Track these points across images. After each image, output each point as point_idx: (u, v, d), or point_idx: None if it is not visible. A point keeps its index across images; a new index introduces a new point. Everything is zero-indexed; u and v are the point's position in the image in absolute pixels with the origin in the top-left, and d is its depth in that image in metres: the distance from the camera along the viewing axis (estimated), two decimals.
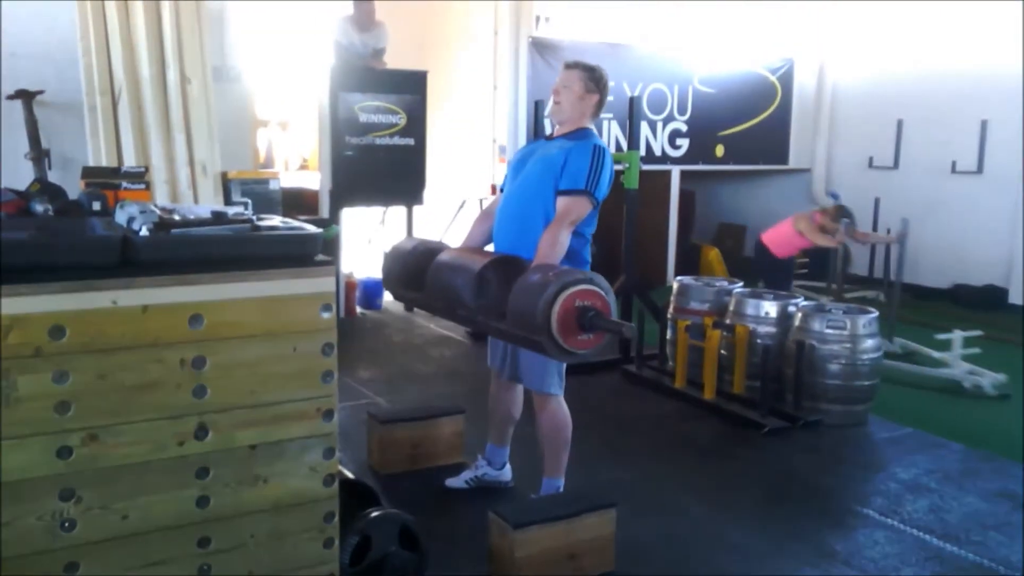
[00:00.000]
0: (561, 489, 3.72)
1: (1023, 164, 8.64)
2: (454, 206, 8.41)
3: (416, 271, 3.68)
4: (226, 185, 6.55)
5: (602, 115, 9.09)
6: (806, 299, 6.02)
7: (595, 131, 3.64)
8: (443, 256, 3.58)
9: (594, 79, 3.61)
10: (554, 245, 3.33)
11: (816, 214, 7.22)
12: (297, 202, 7.53)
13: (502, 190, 3.80)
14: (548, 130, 3.62)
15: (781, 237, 7.09)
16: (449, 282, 3.44)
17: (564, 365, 3.62)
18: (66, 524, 2.07)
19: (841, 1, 10.27)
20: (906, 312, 8.48)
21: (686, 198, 10.56)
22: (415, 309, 7.92)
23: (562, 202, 3.42)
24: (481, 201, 8.20)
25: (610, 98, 9.17)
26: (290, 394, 2.32)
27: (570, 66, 3.66)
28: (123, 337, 2.09)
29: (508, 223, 3.60)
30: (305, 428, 2.35)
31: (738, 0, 10.11)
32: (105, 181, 5.12)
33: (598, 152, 3.45)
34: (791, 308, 5.38)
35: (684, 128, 9.77)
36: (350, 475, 3.44)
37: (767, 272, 7.12)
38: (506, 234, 3.61)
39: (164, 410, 2.16)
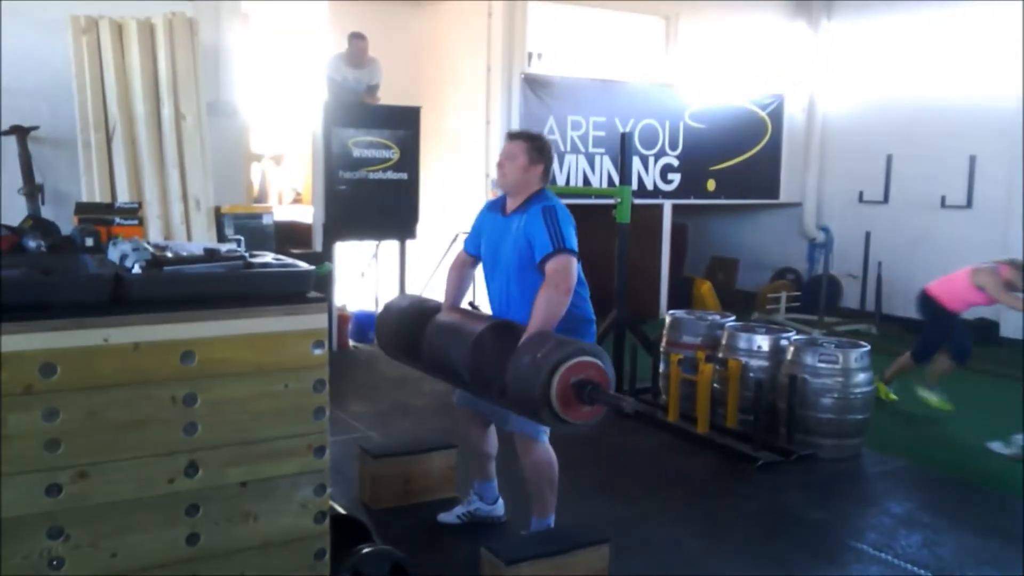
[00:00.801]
0: (552, 526, 3.69)
1: (1021, 197, 8.70)
2: (447, 240, 8.43)
3: (410, 335, 3.72)
4: (219, 220, 6.57)
5: (594, 150, 9.14)
6: (798, 332, 6.03)
7: (545, 191, 3.62)
8: (437, 323, 3.62)
9: (537, 148, 3.59)
10: (546, 308, 3.30)
11: (1002, 268, 6.26)
12: (290, 236, 7.55)
13: (468, 251, 3.84)
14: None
15: (955, 290, 6.39)
16: (445, 354, 3.49)
17: None
18: (54, 562, 2.06)
19: (830, 36, 10.41)
20: (898, 346, 8.50)
21: (678, 232, 10.61)
22: None
23: (546, 268, 3.42)
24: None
25: (602, 133, 9.27)
26: (281, 431, 2.32)
27: (513, 136, 3.66)
28: (114, 375, 2.10)
29: (513, 311, 3.59)
30: (296, 465, 2.35)
31: (729, 33, 10.24)
32: (98, 217, 5.12)
33: (547, 212, 3.44)
34: (783, 342, 5.40)
35: (676, 163, 9.84)
36: (341, 510, 3.42)
37: (932, 326, 6.50)
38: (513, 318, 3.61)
39: (154, 447, 2.16)
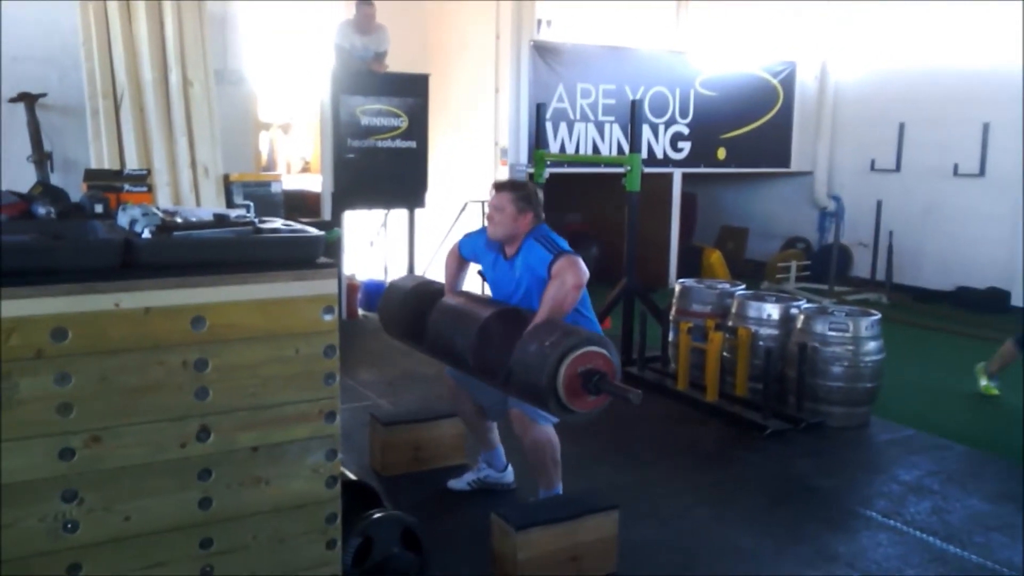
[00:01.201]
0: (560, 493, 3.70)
1: None
2: (456, 209, 8.41)
3: (414, 317, 3.76)
4: (228, 188, 6.56)
5: (603, 118, 9.07)
6: (808, 301, 6.01)
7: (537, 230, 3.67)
8: (442, 306, 3.64)
9: (523, 198, 3.63)
10: (554, 299, 3.33)
11: None
12: (299, 204, 7.54)
13: (463, 254, 3.90)
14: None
15: None
16: (450, 338, 3.51)
17: None
18: (68, 525, 2.08)
19: (842, 3, 10.27)
20: (908, 315, 8.48)
21: (688, 201, 10.56)
22: None
23: (552, 271, 3.45)
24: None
25: (612, 101, 9.20)
26: (292, 396, 2.32)
27: (499, 188, 3.70)
28: (125, 339, 2.10)
29: None
30: (307, 430, 2.35)
31: (740, 0, 10.12)
32: (107, 184, 5.13)
33: (539, 237, 3.56)
34: (793, 311, 5.38)
35: (686, 131, 9.77)
36: (352, 476, 3.44)
37: None
38: None
39: (166, 412, 2.17)
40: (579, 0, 9.74)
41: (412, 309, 3.82)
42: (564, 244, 3.54)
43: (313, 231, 2.43)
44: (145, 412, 2.14)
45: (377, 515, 2.95)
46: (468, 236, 3.98)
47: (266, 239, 2.35)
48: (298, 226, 2.50)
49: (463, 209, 8.45)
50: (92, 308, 2.06)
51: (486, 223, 3.76)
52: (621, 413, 5.34)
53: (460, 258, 3.94)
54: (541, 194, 3.71)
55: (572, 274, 3.38)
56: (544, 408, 3.15)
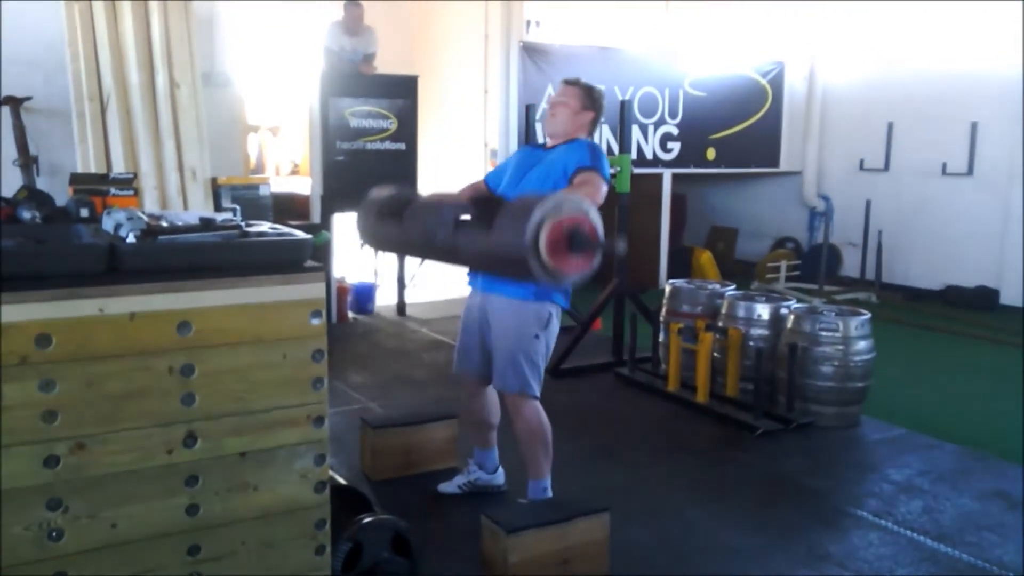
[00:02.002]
0: (548, 490, 3.70)
1: (1022, 164, 8.66)
2: None
3: (392, 212, 3.54)
4: (216, 191, 6.53)
5: None
6: (798, 301, 6.02)
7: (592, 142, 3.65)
8: (421, 199, 3.49)
9: (592, 98, 3.64)
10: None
11: None
12: (288, 207, 7.51)
13: (487, 182, 3.79)
14: (540, 139, 3.62)
15: None
16: (428, 213, 3.30)
17: (543, 365, 3.60)
18: (54, 534, 2.06)
19: (831, 3, 10.30)
20: (898, 314, 8.50)
21: (677, 201, 10.57)
22: (407, 314, 7.91)
23: (577, 179, 3.37)
24: None
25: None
26: (280, 401, 2.30)
27: (569, 83, 3.68)
28: (110, 345, 2.08)
29: None
30: (296, 435, 2.34)
31: (728, 0, 10.13)
32: (93, 187, 5.09)
33: (594, 147, 3.50)
34: (783, 311, 5.38)
35: (675, 131, 9.78)
36: (342, 481, 3.42)
37: None
38: None
39: (152, 418, 2.15)
40: (568, 0, 9.73)
41: (389, 207, 3.59)
42: (607, 169, 3.45)
43: (300, 234, 2.42)
44: (131, 418, 2.12)
45: (367, 520, 2.93)
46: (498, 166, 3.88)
47: (252, 243, 2.33)
48: (285, 229, 2.48)
49: None
50: (76, 314, 2.04)
51: (547, 114, 3.67)
52: (612, 413, 5.35)
53: (480, 183, 3.80)
54: None
55: (593, 190, 3.28)
56: (527, 274, 2.92)
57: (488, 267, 3.28)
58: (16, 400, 1.98)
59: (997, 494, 4.17)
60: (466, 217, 3.20)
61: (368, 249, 8.50)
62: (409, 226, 3.42)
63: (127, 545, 2.14)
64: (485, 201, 3.34)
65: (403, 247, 3.74)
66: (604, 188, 3.39)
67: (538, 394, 3.61)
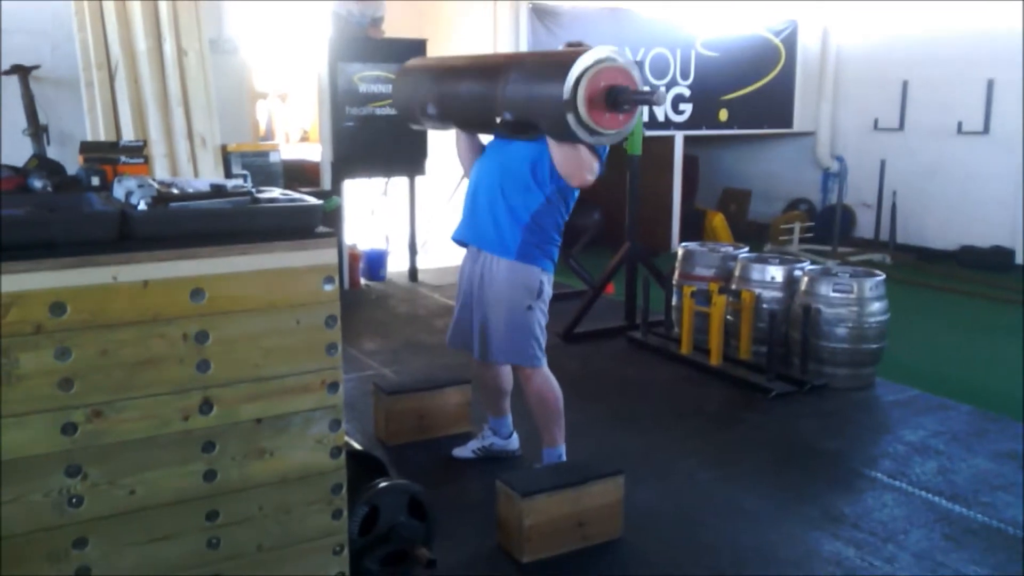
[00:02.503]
0: (563, 457, 3.72)
1: None
2: (456, 176, 8.36)
3: (430, 78, 3.66)
4: (226, 158, 6.51)
5: None
6: (812, 263, 5.98)
7: None
8: (460, 66, 3.58)
9: None
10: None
11: None
12: (298, 174, 7.49)
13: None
14: None
15: None
16: (470, 73, 3.42)
17: (544, 334, 3.58)
18: (73, 500, 2.07)
19: None
20: (912, 275, 8.45)
21: (689, 163, 10.50)
22: (419, 279, 7.92)
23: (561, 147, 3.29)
24: None
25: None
26: (294, 367, 2.31)
27: (572, 46, 3.60)
28: (124, 313, 2.08)
29: (481, 211, 3.55)
30: (310, 401, 2.34)
31: None
32: (103, 156, 5.05)
33: None
34: (797, 273, 5.35)
35: (687, 93, 9.68)
36: (357, 446, 3.44)
37: None
38: (478, 223, 3.57)
39: (168, 385, 2.15)
40: None
41: (428, 79, 3.70)
42: (602, 151, 3.41)
43: (311, 200, 2.40)
44: (147, 386, 2.13)
45: (383, 484, 2.95)
46: None
47: (263, 209, 2.32)
48: (296, 195, 2.47)
49: (463, 176, 8.40)
50: (90, 282, 2.03)
51: None
52: (625, 377, 5.35)
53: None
54: None
55: (576, 163, 3.26)
56: (568, 132, 3.00)
57: (527, 126, 3.24)
58: (32, 368, 1.99)
59: (1011, 455, 4.16)
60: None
61: (378, 217, 8.51)
62: (448, 88, 3.47)
63: (146, 511, 2.16)
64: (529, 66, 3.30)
65: (443, 112, 3.65)
66: (592, 163, 3.30)
67: (543, 363, 3.60)
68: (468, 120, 3.61)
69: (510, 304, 3.49)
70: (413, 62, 3.95)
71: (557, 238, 3.55)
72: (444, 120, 3.67)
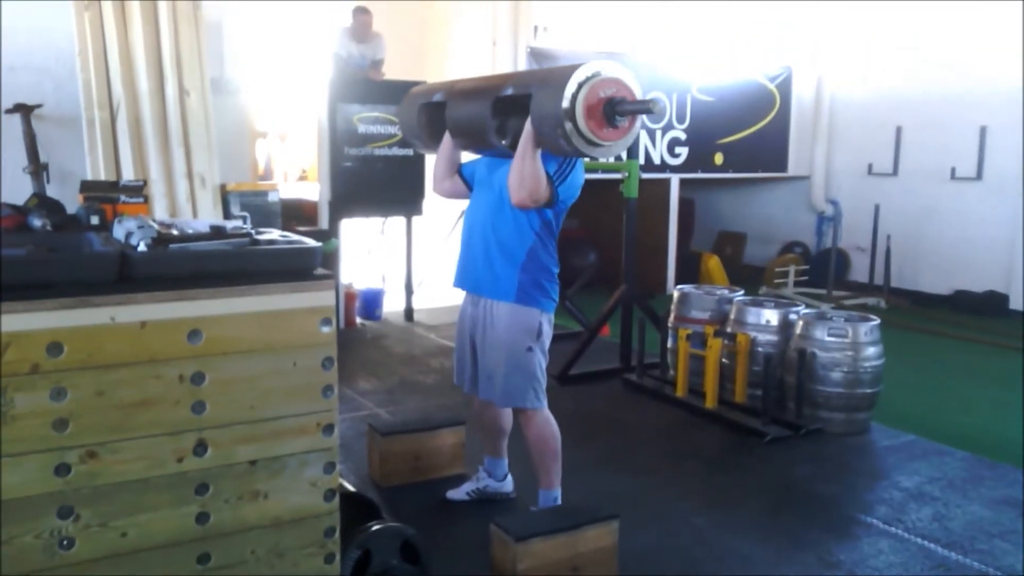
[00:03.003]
0: (559, 500, 3.70)
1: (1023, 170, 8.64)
2: (453, 215, 8.40)
3: (434, 104, 3.74)
4: (225, 198, 6.55)
5: None
6: (807, 306, 6.00)
7: None
8: (461, 88, 3.64)
9: None
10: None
11: None
12: (297, 213, 7.53)
13: (461, 174, 3.76)
14: None
15: None
16: (470, 96, 3.48)
17: (544, 376, 3.58)
18: (64, 542, 2.06)
19: (838, 7, 10.29)
20: (907, 319, 8.47)
21: (685, 206, 10.56)
22: (415, 319, 7.92)
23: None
24: None
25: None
26: (290, 409, 2.31)
27: None
28: (121, 353, 2.09)
29: (476, 255, 3.58)
30: (305, 443, 2.34)
31: (737, 0, 10.13)
32: (103, 195, 5.09)
33: (568, 159, 3.38)
34: (792, 316, 5.37)
35: (683, 136, 9.77)
36: (351, 488, 3.43)
37: None
38: (475, 268, 3.59)
39: (163, 426, 2.15)
40: (575, 3, 9.73)
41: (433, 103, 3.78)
42: (572, 181, 3.41)
43: (310, 242, 2.42)
44: (142, 427, 2.13)
45: (376, 527, 2.93)
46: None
47: (263, 251, 2.34)
48: (295, 237, 2.49)
49: (461, 215, 8.45)
50: (88, 322, 2.04)
51: None
52: (620, 419, 5.34)
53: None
54: None
55: (531, 182, 3.24)
56: (565, 142, 3.00)
57: (527, 140, 3.24)
58: (27, 409, 1.99)
59: (1008, 501, 4.15)
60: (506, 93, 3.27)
61: (375, 256, 8.53)
62: (453, 109, 3.52)
63: (137, 554, 2.15)
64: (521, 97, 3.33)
65: (449, 132, 3.70)
66: (542, 186, 3.26)
67: (543, 404, 3.60)
68: (465, 125, 3.59)
69: (510, 347, 3.50)
70: (422, 86, 4.04)
71: (554, 270, 3.56)
72: (442, 127, 3.69)
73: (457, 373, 3.83)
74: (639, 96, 3.09)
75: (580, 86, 2.96)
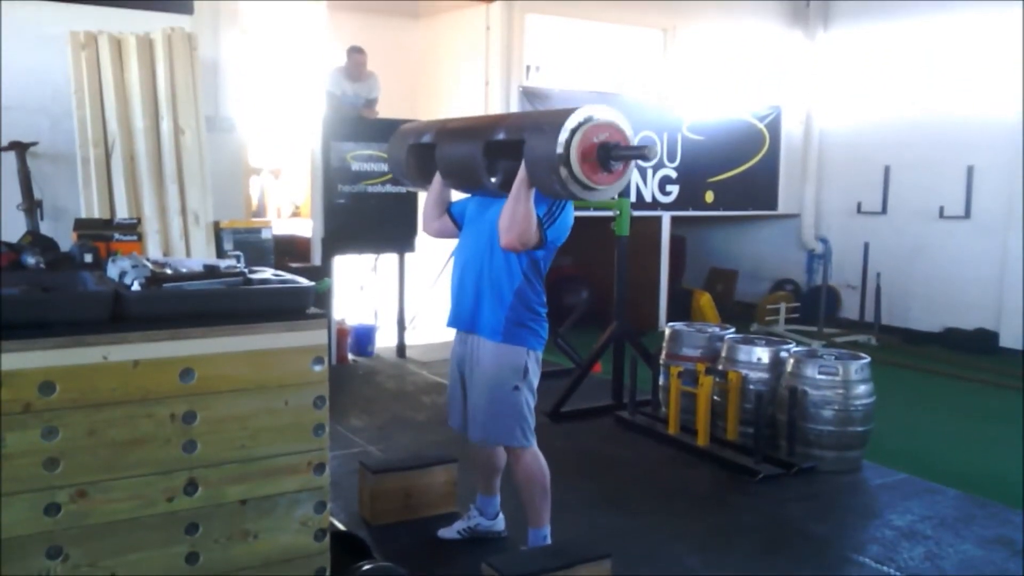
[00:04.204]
0: (548, 538, 3.68)
1: (1021, 207, 8.71)
2: (445, 253, 8.43)
3: (424, 143, 3.75)
4: (218, 234, 6.56)
5: None
6: (797, 344, 6.03)
7: None
8: (450, 128, 3.65)
9: None
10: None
11: None
12: (289, 249, 7.55)
13: (450, 209, 3.79)
14: None
15: None
16: (462, 136, 3.50)
17: (532, 415, 3.56)
18: None
19: (828, 46, 10.46)
20: (897, 357, 8.50)
21: (676, 244, 10.62)
22: (407, 356, 7.91)
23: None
24: None
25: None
26: (281, 448, 2.31)
27: None
28: (113, 392, 2.09)
29: (467, 293, 3.59)
30: (296, 482, 2.34)
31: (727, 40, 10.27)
32: (97, 233, 5.09)
33: (559, 200, 3.40)
34: (783, 354, 5.39)
35: (674, 175, 9.85)
36: (341, 527, 3.41)
37: None
38: (465, 306, 3.60)
39: (153, 465, 2.15)
40: (567, 44, 9.86)
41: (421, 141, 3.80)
42: (562, 223, 3.43)
43: (303, 281, 2.44)
44: (132, 466, 2.13)
45: (366, 567, 2.91)
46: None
47: (256, 291, 2.35)
48: (288, 276, 2.50)
49: (451, 257, 8.48)
50: (80, 361, 2.05)
51: None
52: (612, 457, 5.32)
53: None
54: None
55: (524, 225, 3.24)
56: (559, 185, 3.02)
57: (520, 184, 3.25)
58: (18, 448, 1.99)
59: (1000, 540, 4.14)
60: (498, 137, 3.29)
61: (367, 293, 8.54)
62: (444, 150, 3.54)
63: None
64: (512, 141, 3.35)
65: (440, 172, 3.72)
66: (531, 230, 3.27)
67: (531, 443, 3.58)
68: (456, 167, 3.61)
69: (496, 385, 3.50)
70: (411, 124, 4.07)
71: (542, 310, 3.57)
72: (431, 166, 3.71)
73: (451, 413, 3.83)
74: (632, 139, 3.12)
75: (573, 132, 3.00)
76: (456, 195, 3.86)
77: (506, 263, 3.47)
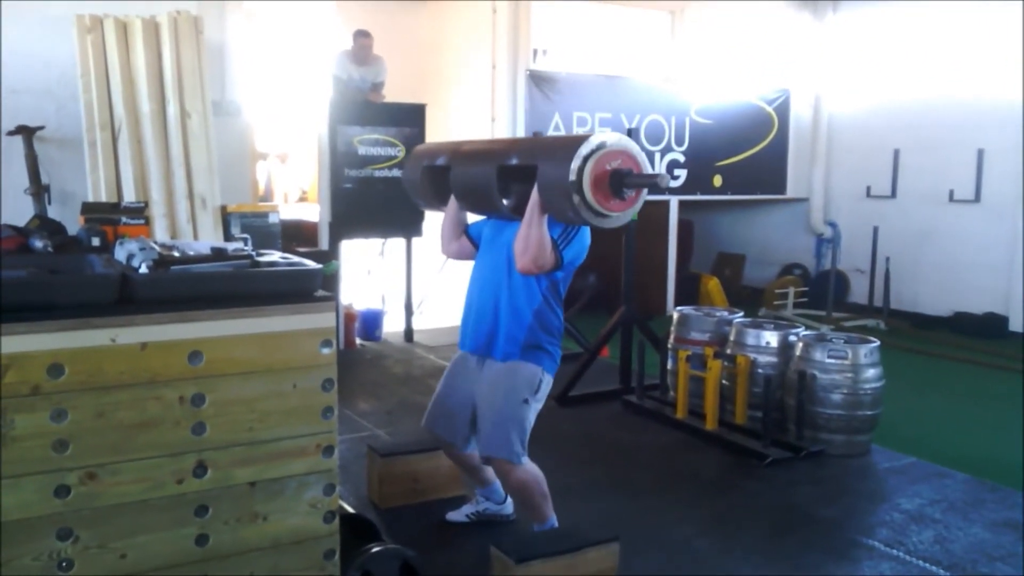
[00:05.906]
0: (555, 525, 3.65)
1: (1022, 192, 8.67)
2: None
3: (439, 166, 3.75)
4: (226, 219, 6.56)
5: None
6: (806, 328, 6.01)
7: None
8: (465, 150, 3.65)
9: None
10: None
11: None
12: (296, 234, 7.55)
13: (468, 231, 3.78)
14: None
15: None
16: (476, 160, 3.50)
17: (528, 429, 3.51)
18: (63, 564, 2.06)
19: (836, 28, 10.37)
20: (906, 341, 8.47)
21: (684, 228, 10.59)
22: (415, 340, 7.92)
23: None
24: None
25: (607, 129, 9.24)
26: (290, 430, 2.31)
27: None
28: (122, 375, 2.09)
29: (484, 314, 3.56)
30: (305, 465, 2.34)
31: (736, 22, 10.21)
32: (104, 216, 5.11)
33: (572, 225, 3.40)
34: (792, 338, 5.37)
35: (682, 159, 9.81)
36: (350, 509, 3.41)
37: None
38: (481, 329, 3.57)
39: (163, 448, 2.15)
40: (574, 27, 9.80)
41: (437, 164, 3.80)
42: (577, 246, 3.44)
43: (311, 264, 2.43)
44: (141, 448, 2.13)
45: (375, 549, 2.92)
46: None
47: (264, 273, 2.34)
48: (296, 259, 2.49)
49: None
50: (89, 344, 2.05)
51: None
52: (620, 442, 5.32)
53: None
54: None
55: (537, 248, 3.25)
56: (572, 211, 3.03)
57: (533, 209, 3.25)
58: (27, 430, 1.99)
59: (1009, 524, 4.13)
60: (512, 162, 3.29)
61: (375, 277, 8.54)
62: (458, 173, 3.55)
63: None
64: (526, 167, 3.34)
65: (454, 195, 3.72)
66: (547, 254, 3.27)
67: (523, 460, 3.49)
68: (470, 190, 3.62)
69: (507, 393, 3.45)
70: (425, 146, 4.07)
71: (559, 332, 3.56)
72: (446, 188, 3.71)
73: (434, 419, 3.74)
74: (644, 165, 3.11)
75: (586, 159, 2.99)
76: (472, 217, 3.85)
77: (525, 284, 3.45)
